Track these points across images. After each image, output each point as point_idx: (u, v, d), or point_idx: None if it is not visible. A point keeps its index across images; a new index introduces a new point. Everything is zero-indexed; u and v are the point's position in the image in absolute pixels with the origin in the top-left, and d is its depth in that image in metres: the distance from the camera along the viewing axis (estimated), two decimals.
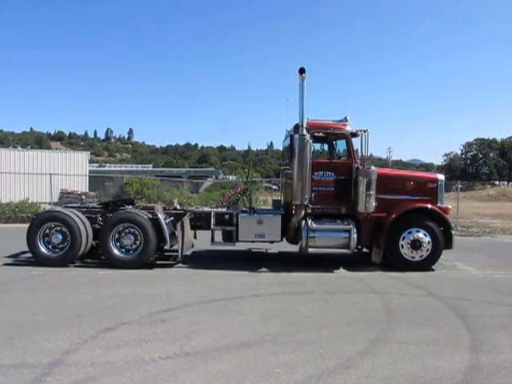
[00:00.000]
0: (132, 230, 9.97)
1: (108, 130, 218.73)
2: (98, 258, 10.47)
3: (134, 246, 9.97)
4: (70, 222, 9.82)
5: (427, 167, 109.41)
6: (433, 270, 10.23)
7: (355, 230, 10.00)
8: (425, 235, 10.07)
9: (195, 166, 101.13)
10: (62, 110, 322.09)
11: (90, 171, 35.71)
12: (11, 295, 7.54)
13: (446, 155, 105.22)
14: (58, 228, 9.97)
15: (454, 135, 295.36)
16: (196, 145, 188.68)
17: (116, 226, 9.95)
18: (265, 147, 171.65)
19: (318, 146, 11.38)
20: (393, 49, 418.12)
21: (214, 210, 11.08)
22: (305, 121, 10.02)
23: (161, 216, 10.03)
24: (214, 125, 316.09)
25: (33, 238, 9.92)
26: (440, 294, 8.10)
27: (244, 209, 11.12)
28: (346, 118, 10.78)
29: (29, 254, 10.32)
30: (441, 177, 11.00)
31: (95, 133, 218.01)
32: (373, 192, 9.93)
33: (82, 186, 28.68)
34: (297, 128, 10.18)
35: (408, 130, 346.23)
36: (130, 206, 10.87)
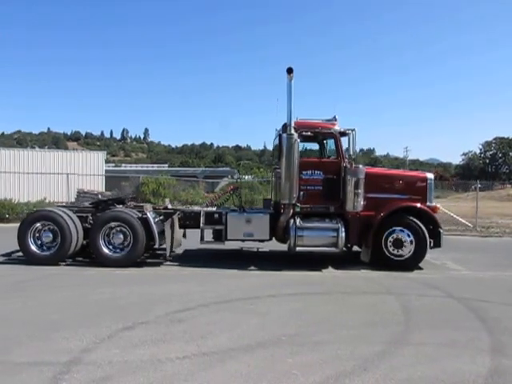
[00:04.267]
0: (121, 228, 10.06)
1: (124, 129, 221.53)
2: (91, 256, 10.50)
3: (124, 245, 10.06)
4: (60, 221, 9.94)
5: (445, 166, 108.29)
6: (451, 270, 10.15)
7: (343, 229, 10.04)
8: (408, 234, 10.10)
9: (211, 166, 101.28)
10: (78, 110, 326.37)
11: (106, 171, 35.82)
12: (29, 294, 7.61)
13: (465, 154, 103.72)
14: (49, 227, 10.10)
15: (472, 134, 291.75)
16: (211, 144, 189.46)
17: (106, 225, 10.04)
18: None
19: (306, 146, 11.39)
20: (410, 47, 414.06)
21: (204, 209, 11.17)
22: (293, 120, 10.08)
23: (150, 215, 10.14)
24: (230, 124, 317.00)
25: (23, 237, 10.05)
26: (459, 295, 7.98)
27: (234, 208, 11.18)
28: (334, 117, 10.83)
29: None
30: (430, 176, 11.05)
31: (111, 133, 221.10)
32: (361, 191, 10.03)
33: (98, 185, 28.86)
34: (285, 127, 10.23)
35: (426, 130, 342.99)
36: (121, 206, 10.98)
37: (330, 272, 9.98)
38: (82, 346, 5.23)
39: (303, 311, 6.90)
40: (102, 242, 9.99)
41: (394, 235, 10.13)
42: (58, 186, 25.04)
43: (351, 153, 10.29)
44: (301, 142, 10.24)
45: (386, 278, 9.37)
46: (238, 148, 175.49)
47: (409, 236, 10.08)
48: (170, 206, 11.80)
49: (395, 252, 10.13)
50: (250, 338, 5.59)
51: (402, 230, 10.12)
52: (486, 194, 46.51)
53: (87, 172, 28.46)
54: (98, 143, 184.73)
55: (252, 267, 10.17)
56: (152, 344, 5.33)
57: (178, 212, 10.81)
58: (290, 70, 9.78)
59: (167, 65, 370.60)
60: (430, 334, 5.89)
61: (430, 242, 10.25)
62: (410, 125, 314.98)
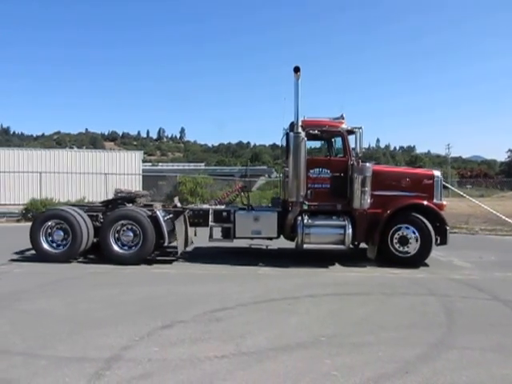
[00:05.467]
0: (131, 226, 10.21)
1: (160, 129, 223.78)
2: (102, 254, 10.57)
3: (134, 243, 10.20)
4: (71, 220, 10.17)
5: (489, 164, 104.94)
6: (495, 271, 9.80)
7: (350, 226, 10.12)
8: (414, 232, 10.09)
9: (247, 165, 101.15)
10: (115, 110, 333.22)
11: (143, 170, 36.37)
12: (68, 292, 7.77)
13: (510, 151, 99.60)
14: (60, 225, 10.33)
15: None
16: (248, 143, 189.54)
17: (116, 223, 10.21)
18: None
19: (314, 144, 11.46)
20: (455, 46, 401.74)
21: (213, 207, 11.27)
22: (300, 119, 10.16)
23: (159, 213, 10.28)
24: (267, 123, 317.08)
25: (35, 235, 10.31)
26: (505, 297, 7.67)
27: (242, 206, 11.26)
28: (342, 115, 10.86)
29: None
30: (437, 173, 10.95)
31: (147, 132, 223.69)
32: (368, 188, 10.04)
33: (135, 185, 29.29)
34: (292, 126, 10.27)
35: (470, 127, 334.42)
36: (131, 204, 11.13)
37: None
38: (122, 343, 5.30)
39: (342, 312, 6.81)
40: (112, 240, 10.18)
41: (400, 232, 10.19)
42: (97, 185, 25.63)
43: (358, 151, 10.27)
44: (308, 140, 10.29)
45: (425, 278, 9.15)
46: (275, 146, 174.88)
47: (414, 233, 10.14)
48: (178, 205, 11.89)
49: (401, 249, 10.19)
50: (288, 338, 5.54)
51: (407, 228, 10.19)
52: None
53: (125, 171, 29.01)
54: (135, 143, 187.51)
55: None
56: (191, 343, 5.35)
57: (187, 210, 10.96)
58: (296, 69, 9.87)
59: (203, 64, 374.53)
60: (475, 337, 5.68)
61: (437, 240, 10.24)
62: (453, 123, 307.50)
